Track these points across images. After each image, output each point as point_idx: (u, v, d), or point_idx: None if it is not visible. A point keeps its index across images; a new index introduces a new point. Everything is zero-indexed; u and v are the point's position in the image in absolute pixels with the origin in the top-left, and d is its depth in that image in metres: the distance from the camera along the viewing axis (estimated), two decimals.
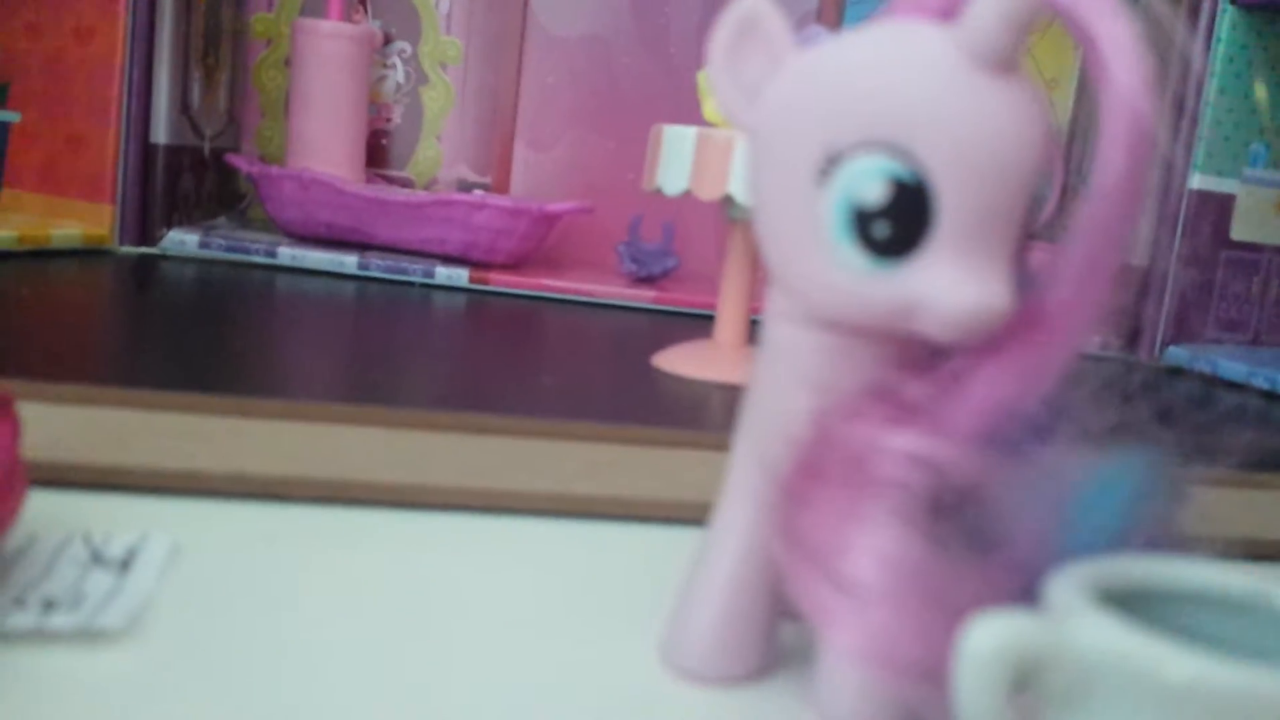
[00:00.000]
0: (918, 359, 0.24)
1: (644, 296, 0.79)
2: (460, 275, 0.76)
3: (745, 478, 0.27)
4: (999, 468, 0.22)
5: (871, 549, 0.22)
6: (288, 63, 0.86)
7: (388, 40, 0.89)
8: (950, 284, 0.22)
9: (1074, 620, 0.19)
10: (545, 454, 0.40)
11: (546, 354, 0.64)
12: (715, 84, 0.25)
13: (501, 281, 0.77)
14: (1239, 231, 0.80)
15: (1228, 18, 0.77)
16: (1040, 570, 0.20)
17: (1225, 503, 0.45)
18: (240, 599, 0.29)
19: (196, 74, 0.80)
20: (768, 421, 0.26)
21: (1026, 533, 0.22)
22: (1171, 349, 0.78)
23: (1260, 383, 0.71)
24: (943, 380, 0.23)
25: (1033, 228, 0.24)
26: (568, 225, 0.87)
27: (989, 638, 0.19)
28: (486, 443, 0.40)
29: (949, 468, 0.22)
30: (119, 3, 0.73)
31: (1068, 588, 0.20)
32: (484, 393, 0.50)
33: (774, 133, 0.24)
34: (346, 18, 0.85)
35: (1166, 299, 0.78)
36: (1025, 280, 0.23)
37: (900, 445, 0.23)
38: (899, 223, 0.22)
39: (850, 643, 0.22)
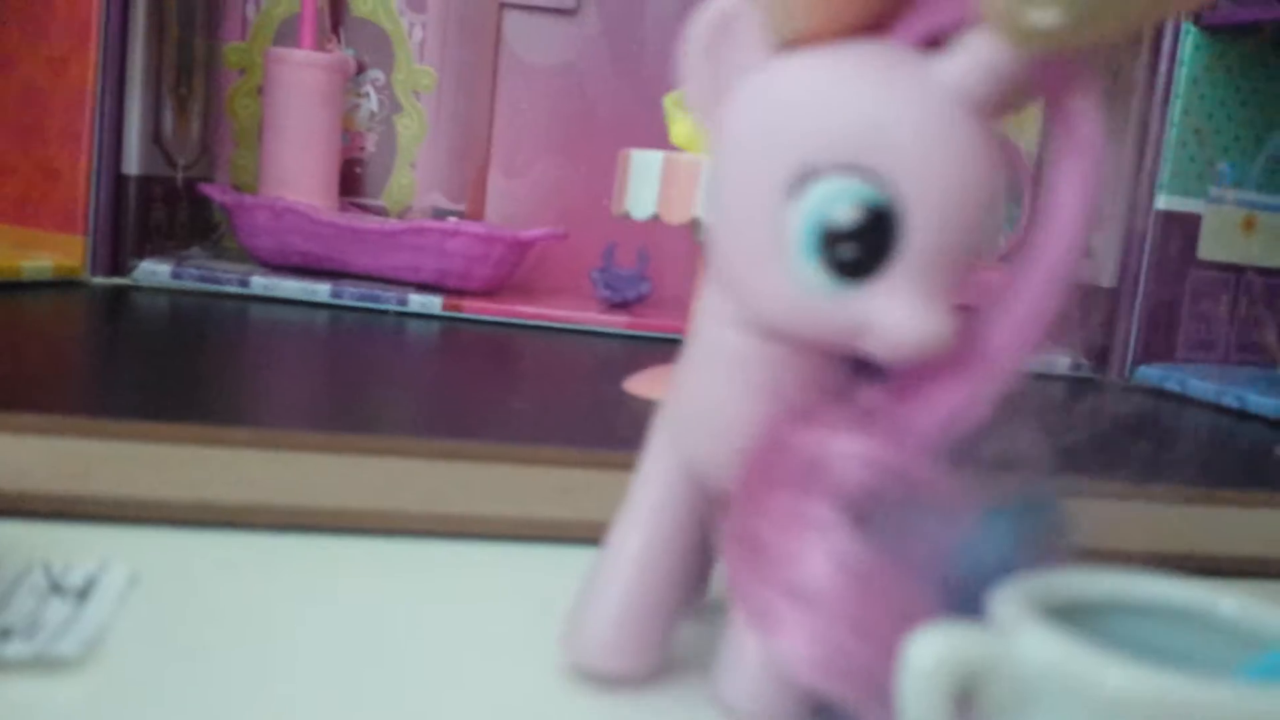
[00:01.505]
0: (849, 371, 0.25)
1: (618, 322, 0.79)
2: (434, 303, 0.77)
3: (660, 473, 0.27)
4: (943, 480, 0.23)
5: (823, 554, 0.22)
6: (261, 92, 0.86)
7: (361, 69, 0.89)
8: (903, 312, 0.23)
9: (1015, 632, 0.19)
10: (512, 479, 0.41)
11: (518, 380, 0.64)
12: (687, 85, 0.25)
13: (475, 308, 0.77)
14: (1207, 251, 0.81)
15: (1190, 39, 0.78)
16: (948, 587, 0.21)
17: (1184, 519, 0.46)
18: (200, 627, 0.29)
19: (169, 104, 0.80)
20: (699, 423, 0.26)
21: (926, 551, 0.22)
22: (1142, 369, 0.78)
23: (1230, 401, 0.71)
24: (889, 394, 0.24)
25: (982, 261, 0.24)
26: (542, 252, 0.88)
27: (931, 650, 0.19)
28: (453, 468, 0.40)
29: (904, 472, 0.23)
30: (91, 32, 0.73)
31: (1010, 600, 0.20)
32: (453, 419, 0.50)
33: (745, 138, 0.24)
34: (319, 47, 0.85)
35: (1136, 319, 0.79)
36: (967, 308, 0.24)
37: (855, 449, 0.23)
38: (865, 247, 0.23)
39: (795, 650, 0.22)
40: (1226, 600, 0.21)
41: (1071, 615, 0.21)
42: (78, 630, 0.27)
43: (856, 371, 0.25)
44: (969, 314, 0.24)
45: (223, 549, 0.35)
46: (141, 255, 0.76)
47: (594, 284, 0.85)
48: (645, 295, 0.85)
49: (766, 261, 0.24)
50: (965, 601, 0.21)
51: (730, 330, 0.26)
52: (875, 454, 0.23)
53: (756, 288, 0.24)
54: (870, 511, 0.23)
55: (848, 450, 0.23)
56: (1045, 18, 0.21)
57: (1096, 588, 0.21)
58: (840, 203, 0.22)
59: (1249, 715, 0.17)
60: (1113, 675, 0.18)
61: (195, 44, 0.84)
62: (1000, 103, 0.23)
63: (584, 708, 0.27)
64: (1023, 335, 0.23)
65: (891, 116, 0.22)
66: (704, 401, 0.26)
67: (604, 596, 0.28)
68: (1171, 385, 0.75)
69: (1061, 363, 0.79)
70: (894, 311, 0.23)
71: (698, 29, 0.25)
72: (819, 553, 0.22)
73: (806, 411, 0.24)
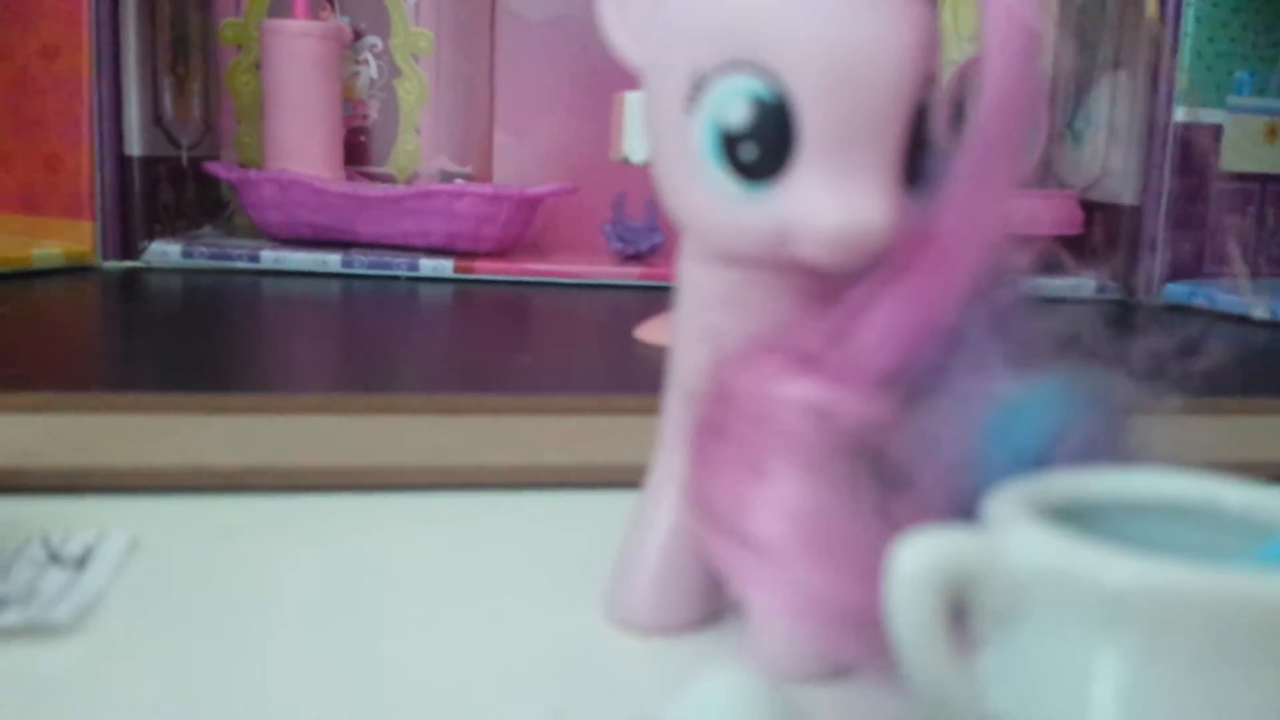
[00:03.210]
0: (826, 295, 0.24)
1: (630, 274, 0.78)
2: (445, 266, 0.76)
3: (679, 424, 0.26)
4: (905, 405, 0.22)
5: (774, 503, 0.21)
6: (260, 66, 0.85)
7: (358, 36, 0.88)
8: (818, 203, 0.22)
9: (1008, 533, 0.18)
10: (520, 429, 0.40)
11: (532, 336, 0.63)
12: (604, 24, 0.24)
13: (487, 269, 0.77)
14: (1229, 162, 0.79)
15: None
16: (956, 503, 0.20)
17: (1219, 429, 0.45)
18: (200, 590, 0.29)
19: (167, 84, 0.80)
20: (684, 363, 0.26)
21: (935, 468, 0.21)
22: (1170, 286, 0.77)
23: (1260, 313, 0.70)
24: (842, 318, 0.23)
25: (927, 142, 0.23)
26: (553, 208, 0.87)
27: (919, 556, 0.18)
28: (457, 422, 0.40)
29: (848, 412, 0.22)
30: (83, 19, 0.72)
31: (1005, 502, 0.19)
32: (463, 376, 0.50)
33: (652, 65, 0.24)
34: (314, 16, 0.84)
35: (1160, 236, 0.77)
36: (926, 197, 0.23)
37: (796, 395, 0.22)
38: (764, 144, 0.22)
39: (770, 602, 0.21)
40: (1232, 492, 0.20)
41: (1072, 516, 0.20)
42: (72, 597, 0.26)
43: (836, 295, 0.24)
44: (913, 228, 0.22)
45: (227, 513, 0.35)
46: (152, 237, 0.76)
47: (606, 237, 0.84)
48: (659, 245, 0.84)
49: (686, 180, 0.23)
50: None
51: (688, 264, 0.25)
52: (816, 396, 0.22)
53: (685, 209, 0.24)
54: (854, 446, 0.22)
55: (790, 396, 0.22)
56: None
57: (1098, 487, 0.21)
58: (730, 103, 0.22)
59: (1249, 600, 0.16)
60: (1110, 570, 0.17)
61: (190, 22, 0.84)
62: None
63: (614, 650, 0.27)
64: (970, 225, 0.22)
65: (768, 6, 0.22)
66: (680, 340, 0.26)
67: (644, 552, 0.27)
68: (1200, 300, 0.74)
69: (1088, 285, 0.78)
70: (809, 204, 0.22)
71: None
72: (769, 503, 0.21)
73: (751, 357, 0.23)
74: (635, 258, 0.83)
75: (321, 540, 0.33)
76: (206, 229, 0.84)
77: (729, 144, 0.22)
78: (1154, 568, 0.17)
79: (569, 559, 0.32)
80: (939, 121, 0.23)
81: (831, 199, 0.22)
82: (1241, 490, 0.20)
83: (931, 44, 0.22)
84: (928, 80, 0.22)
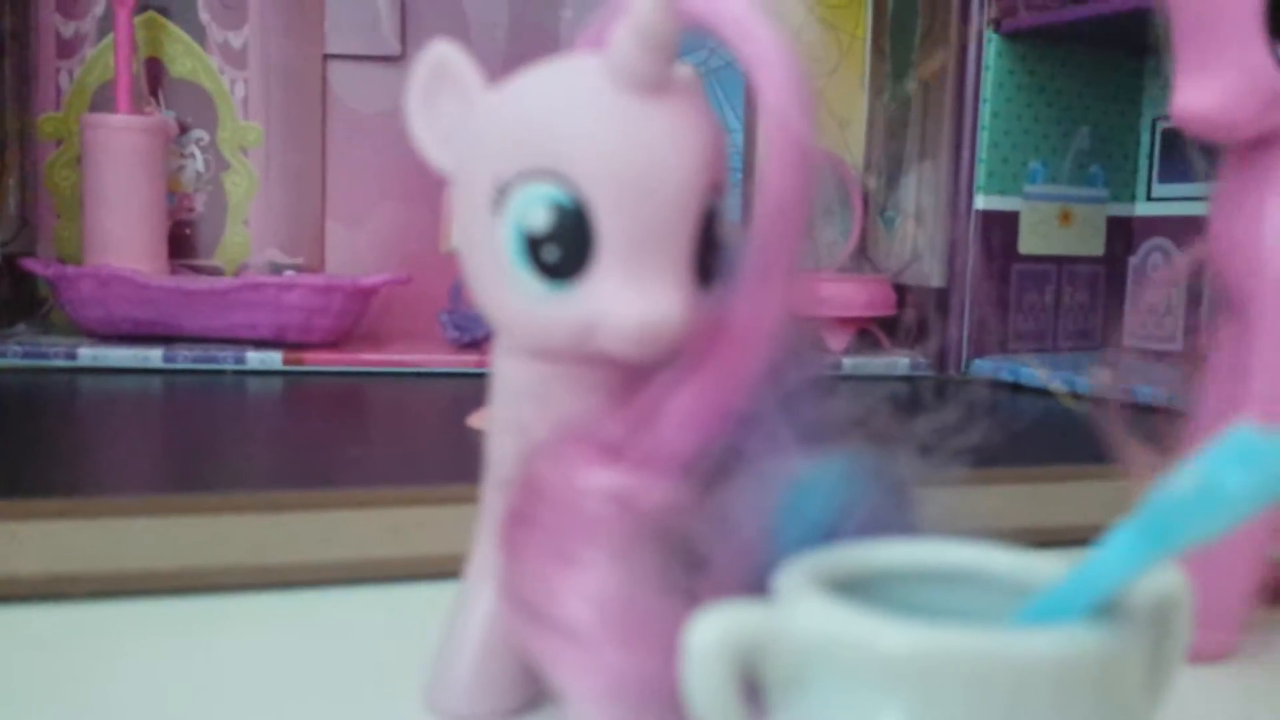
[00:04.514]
0: (629, 387, 0.25)
1: (467, 361, 0.79)
2: (274, 358, 0.75)
3: (495, 513, 0.27)
4: (703, 489, 0.23)
5: (580, 589, 0.22)
6: (80, 161, 0.83)
7: (184, 129, 0.87)
8: (617, 300, 0.23)
9: (793, 604, 0.19)
10: (346, 523, 0.40)
11: (360, 428, 0.63)
12: (413, 132, 0.25)
13: (317, 360, 0.76)
14: (1027, 245, 0.84)
15: (993, 45, 0.81)
16: (753, 579, 0.21)
17: (1013, 496, 0.47)
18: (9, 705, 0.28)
19: None
20: (498, 453, 0.26)
21: (731, 548, 0.22)
22: (976, 362, 0.81)
23: (1059, 385, 0.74)
24: (642, 409, 0.24)
25: (716, 242, 0.24)
26: (388, 298, 0.87)
27: (710, 630, 0.19)
28: (281, 519, 0.39)
29: (648, 499, 0.23)
30: None
31: (793, 575, 0.20)
32: (289, 473, 0.49)
33: (460, 171, 0.25)
34: (137, 110, 0.83)
35: (966, 315, 0.82)
36: (717, 294, 0.24)
37: (599, 484, 0.23)
38: (564, 245, 0.23)
39: (581, 686, 0.22)
40: (999, 557, 0.22)
41: (856, 586, 0.21)
42: None
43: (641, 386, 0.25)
44: (708, 314, 0.24)
45: (39, 623, 0.34)
46: None
47: (442, 326, 0.84)
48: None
49: (494, 280, 0.24)
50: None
51: (501, 358, 0.26)
52: (618, 484, 0.23)
53: (494, 307, 0.25)
54: (656, 531, 0.23)
55: (592, 485, 0.23)
56: None
57: (881, 558, 0.22)
58: (531, 208, 0.23)
59: (1005, 659, 0.18)
60: (888, 637, 0.18)
61: (6, 117, 0.81)
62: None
63: None
64: (756, 316, 0.23)
65: (557, 114, 0.23)
66: (495, 431, 0.27)
67: (462, 642, 0.27)
68: (1004, 375, 0.78)
69: (901, 364, 0.82)
70: (609, 301, 0.23)
71: (413, 82, 0.25)
72: (575, 589, 0.22)
73: (557, 447, 0.24)
74: (471, 345, 0.83)
75: (140, 648, 0.32)
76: (21, 327, 0.81)
77: (532, 246, 0.23)
78: (921, 633, 0.18)
79: (397, 652, 0.32)
80: (725, 224, 0.25)
81: (631, 296, 0.23)
82: (1008, 555, 0.22)
83: (717, 154, 0.24)
84: (714, 187, 0.24)
